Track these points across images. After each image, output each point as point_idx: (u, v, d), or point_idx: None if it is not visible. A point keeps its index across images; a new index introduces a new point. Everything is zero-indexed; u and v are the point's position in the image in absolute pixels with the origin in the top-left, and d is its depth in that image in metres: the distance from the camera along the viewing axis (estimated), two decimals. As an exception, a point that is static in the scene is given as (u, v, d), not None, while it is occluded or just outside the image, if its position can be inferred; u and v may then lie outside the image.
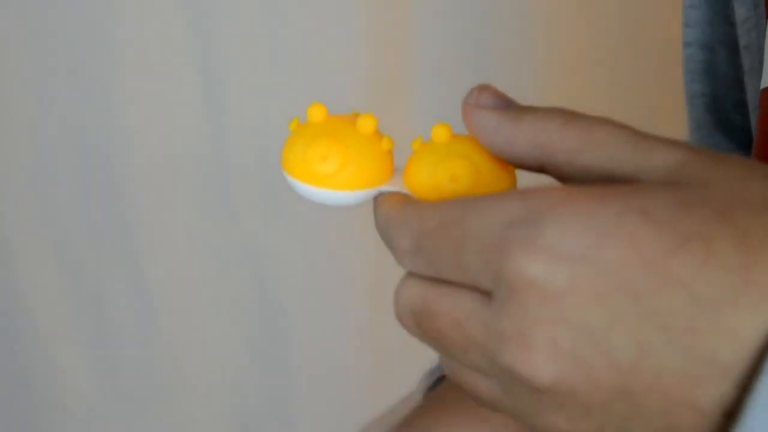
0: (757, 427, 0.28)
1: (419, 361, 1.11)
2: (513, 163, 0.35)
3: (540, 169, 0.34)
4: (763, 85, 0.44)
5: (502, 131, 0.34)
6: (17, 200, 1.09)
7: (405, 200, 0.35)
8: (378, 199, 0.36)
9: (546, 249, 0.29)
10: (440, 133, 0.36)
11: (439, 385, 0.57)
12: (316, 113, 0.37)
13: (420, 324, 0.33)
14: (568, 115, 0.33)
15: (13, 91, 1.07)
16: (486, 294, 0.31)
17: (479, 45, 1.08)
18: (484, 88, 0.35)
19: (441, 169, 0.35)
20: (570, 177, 0.33)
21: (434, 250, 0.32)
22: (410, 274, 0.34)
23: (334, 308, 1.12)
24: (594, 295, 0.29)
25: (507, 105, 0.35)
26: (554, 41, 1.10)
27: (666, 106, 1.06)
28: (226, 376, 1.13)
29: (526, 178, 0.36)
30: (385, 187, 0.37)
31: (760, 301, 0.28)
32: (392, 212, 0.34)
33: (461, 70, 1.08)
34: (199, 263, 1.11)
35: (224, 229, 1.10)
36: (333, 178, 0.36)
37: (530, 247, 0.30)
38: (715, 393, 0.29)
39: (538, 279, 0.29)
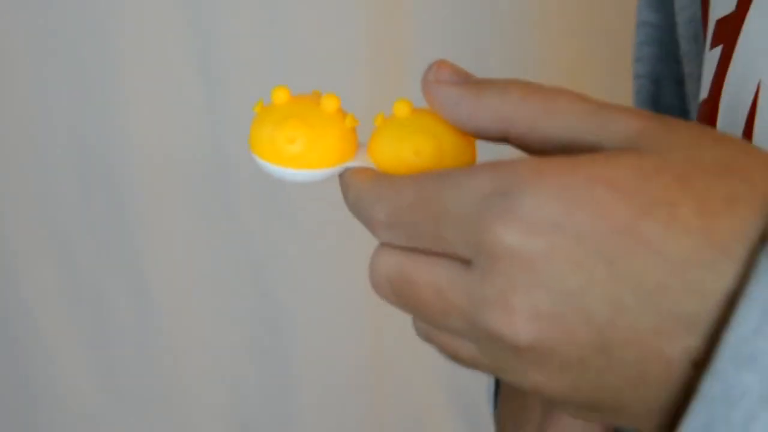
0: (728, 374, 0.30)
1: (419, 360, 1.11)
2: (475, 135, 0.36)
3: (502, 139, 0.36)
4: (701, 98, 0.48)
5: (464, 105, 0.36)
6: (16, 200, 1.09)
7: (376, 175, 0.36)
8: (345, 175, 0.38)
9: (522, 219, 0.31)
10: (401, 108, 0.38)
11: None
12: (280, 95, 0.39)
13: (398, 292, 0.35)
14: (528, 87, 0.35)
15: (12, 91, 1.07)
16: (465, 262, 0.33)
17: (479, 46, 1.08)
18: (442, 63, 0.37)
19: (405, 144, 0.37)
20: (532, 146, 0.35)
21: (412, 223, 0.34)
22: (385, 244, 0.35)
23: (334, 308, 1.12)
24: (570, 261, 0.31)
25: (466, 79, 0.36)
26: (554, 42, 1.10)
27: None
28: (226, 376, 1.13)
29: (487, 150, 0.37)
30: (351, 163, 0.38)
31: (721, 260, 0.31)
32: (365, 187, 0.36)
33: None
34: (199, 263, 1.11)
35: (224, 229, 1.10)
36: (300, 158, 0.38)
37: (507, 218, 0.31)
38: (683, 345, 0.31)
39: (517, 247, 0.31)
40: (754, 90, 0.42)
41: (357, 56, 1.07)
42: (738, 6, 0.45)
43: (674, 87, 0.59)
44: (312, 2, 1.07)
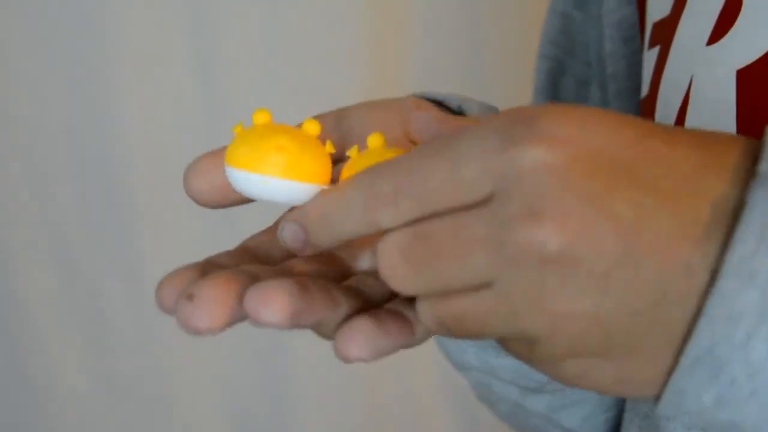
0: (731, 292, 0.32)
1: (419, 360, 1.11)
2: None
3: None
4: (642, 95, 0.51)
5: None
6: (15, 200, 1.09)
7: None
8: (325, 190, 0.38)
9: (542, 136, 0.33)
10: (375, 141, 0.39)
11: None
12: (262, 117, 0.39)
13: (410, 257, 0.34)
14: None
15: (11, 92, 1.07)
16: (482, 203, 0.33)
17: (478, 48, 1.08)
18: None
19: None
20: None
21: (424, 178, 0.34)
22: (388, 230, 0.35)
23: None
24: (592, 169, 0.32)
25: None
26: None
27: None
28: (226, 376, 1.14)
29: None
30: (326, 188, 0.38)
31: (722, 171, 0.33)
32: (359, 175, 0.36)
33: (460, 74, 1.08)
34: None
35: (223, 229, 1.10)
36: (286, 168, 0.38)
37: (528, 139, 0.33)
38: (703, 250, 0.32)
39: (540, 160, 0.32)
40: (687, 85, 0.44)
41: (357, 58, 1.07)
42: (673, 9, 0.47)
43: (574, 83, 0.61)
44: (312, 4, 1.07)
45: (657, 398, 0.34)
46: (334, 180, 0.39)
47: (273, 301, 0.34)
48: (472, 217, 0.33)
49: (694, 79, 0.44)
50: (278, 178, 0.38)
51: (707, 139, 0.34)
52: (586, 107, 0.34)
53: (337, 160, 0.42)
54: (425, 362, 1.11)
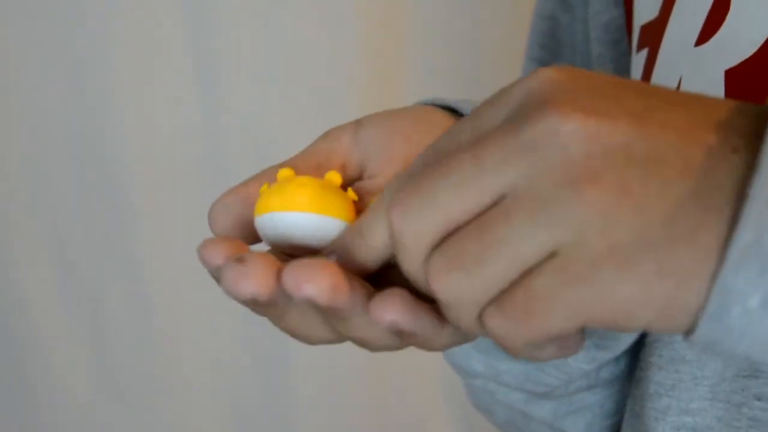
0: None
1: (417, 362, 1.11)
2: None
3: None
4: None
5: None
6: (14, 200, 1.09)
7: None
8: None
9: (545, 68, 0.34)
10: None
11: None
12: (286, 174, 0.41)
13: (420, 182, 0.34)
14: None
15: (10, 91, 1.07)
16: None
17: (478, 49, 1.09)
18: None
19: None
20: None
21: (449, 136, 0.36)
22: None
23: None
24: (594, 81, 0.34)
25: None
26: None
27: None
28: (225, 376, 1.14)
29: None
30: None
31: (732, 104, 0.33)
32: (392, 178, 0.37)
33: (459, 74, 1.08)
34: (198, 263, 1.11)
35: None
36: (311, 202, 0.39)
37: (531, 73, 0.34)
38: (722, 137, 0.32)
39: (545, 77, 0.34)
40: (675, 86, 0.45)
41: (355, 58, 1.07)
42: (661, 11, 0.47)
43: None
44: (311, 4, 1.07)
45: (696, 320, 0.32)
46: None
47: (314, 274, 0.35)
48: (488, 133, 0.34)
49: (682, 80, 0.45)
50: (305, 213, 0.39)
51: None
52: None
53: (357, 178, 0.43)
54: (425, 363, 1.11)
